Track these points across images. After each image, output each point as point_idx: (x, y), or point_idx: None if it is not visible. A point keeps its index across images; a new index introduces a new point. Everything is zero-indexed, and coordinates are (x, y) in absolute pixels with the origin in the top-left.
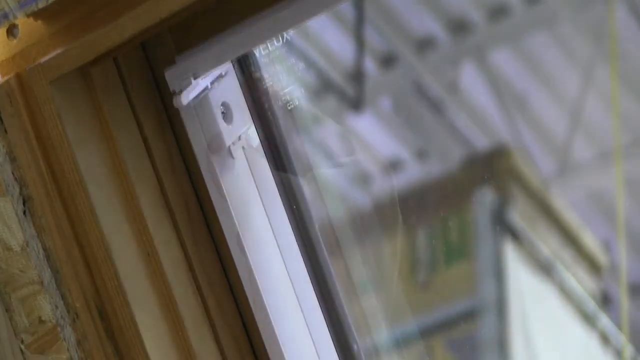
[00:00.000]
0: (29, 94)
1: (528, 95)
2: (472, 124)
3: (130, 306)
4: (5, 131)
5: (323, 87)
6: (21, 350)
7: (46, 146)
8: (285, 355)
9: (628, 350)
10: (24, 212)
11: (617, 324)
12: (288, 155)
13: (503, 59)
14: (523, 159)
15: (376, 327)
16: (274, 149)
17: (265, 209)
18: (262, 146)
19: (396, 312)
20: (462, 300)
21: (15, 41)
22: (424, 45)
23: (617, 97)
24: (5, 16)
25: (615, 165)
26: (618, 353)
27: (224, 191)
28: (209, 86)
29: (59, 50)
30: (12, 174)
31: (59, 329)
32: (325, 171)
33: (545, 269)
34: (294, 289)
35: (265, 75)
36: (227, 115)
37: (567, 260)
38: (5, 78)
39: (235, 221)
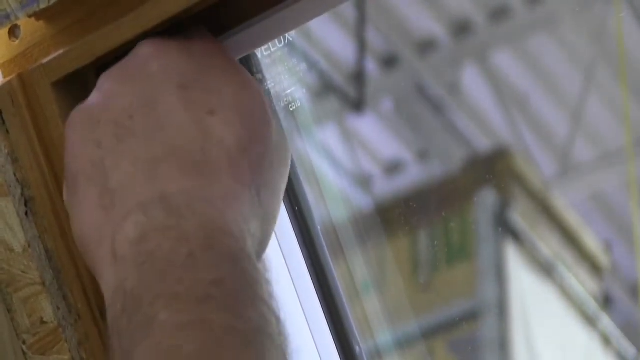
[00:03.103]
0: (31, 94)
1: (529, 96)
2: (474, 125)
3: None
4: (8, 132)
5: (325, 88)
6: (23, 351)
7: (48, 147)
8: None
9: (630, 351)
10: (26, 213)
11: (619, 324)
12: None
13: (504, 60)
14: (524, 160)
15: (378, 328)
16: None
17: None
18: None
19: (398, 313)
20: (463, 301)
21: (17, 42)
22: (426, 46)
23: (626, 100)
24: (7, 17)
25: (615, 165)
26: (619, 353)
27: None
28: None
29: (61, 51)
30: (14, 174)
31: (60, 329)
32: (328, 172)
33: (546, 269)
34: (296, 290)
35: (267, 77)
36: None
37: (568, 261)
38: (8, 79)
39: None
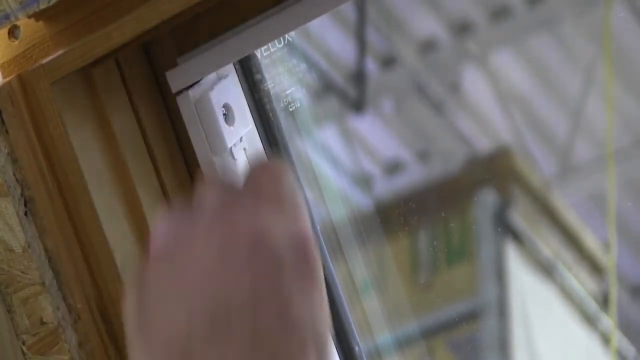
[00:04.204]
0: (31, 95)
1: (529, 97)
2: (474, 125)
3: None
4: (7, 132)
5: (324, 88)
6: (22, 351)
7: (48, 147)
8: None
9: (629, 351)
10: (26, 213)
11: (619, 324)
12: (290, 157)
13: (505, 60)
14: (524, 160)
15: (378, 328)
16: (276, 150)
17: None
18: (264, 148)
19: (397, 313)
20: (463, 301)
21: (16, 42)
22: (426, 46)
23: (613, 98)
24: (7, 17)
25: (615, 166)
26: (619, 353)
27: None
28: (211, 88)
29: (60, 52)
30: (14, 175)
31: (60, 330)
32: (328, 172)
33: (546, 269)
34: None
35: (267, 77)
36: (228, 116)
37: (569, 261)
38: (7, 79)
39: None
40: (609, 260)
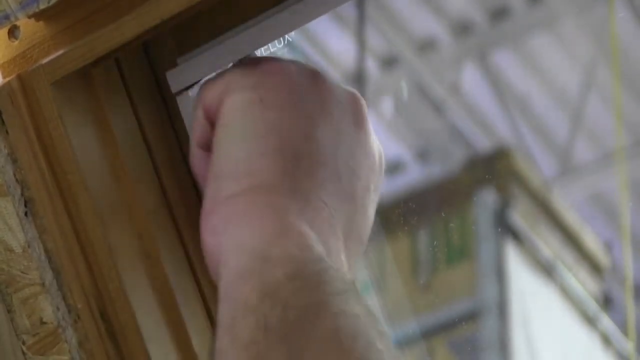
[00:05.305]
0: (31, 95)
1: (529, 96)
2: (474, 125)
3: (132, 307)
4: (7, 132)
5: None
6: (22, 351)
7: (47, 147)
8: None
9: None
10: (26, 214)
11: (619, 324)
12: None
13: (504, 60)
14: (524, 160)
15: None
16: None
17: None
18: None
19: (397, 313)
20: (463, 301)
21: (16, 42)
22: (426, 46)
23: (619, 99)
24: (7, 17)
25: (615, 166)
26: (619, 354)
27: None
28: None
29: (60, 52)
30: (14, 175)
31: (60, 330)
32: None
33: (546, 269)
34: None
35: None
36: None
37: (569, 261)
38: (7, 79)
39: None
40: (624, 261)
